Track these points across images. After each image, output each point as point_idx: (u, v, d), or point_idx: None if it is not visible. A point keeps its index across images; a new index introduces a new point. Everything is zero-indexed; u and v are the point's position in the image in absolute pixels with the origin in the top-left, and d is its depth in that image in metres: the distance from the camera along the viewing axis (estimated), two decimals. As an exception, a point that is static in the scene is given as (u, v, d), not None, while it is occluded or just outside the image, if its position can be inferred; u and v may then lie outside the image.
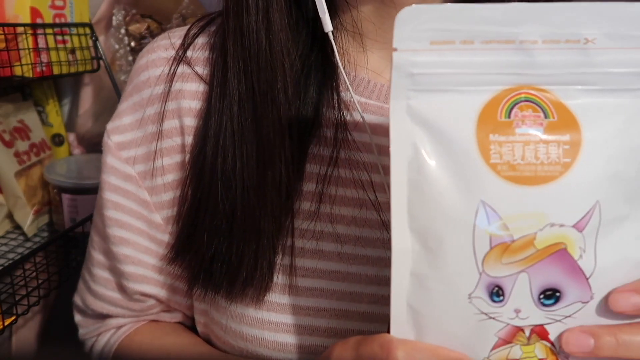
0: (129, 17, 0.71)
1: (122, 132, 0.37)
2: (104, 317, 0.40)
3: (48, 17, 0.62)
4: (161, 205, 0.36)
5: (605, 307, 0.21)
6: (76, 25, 0.66)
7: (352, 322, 0.33)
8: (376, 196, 0.32)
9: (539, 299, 0.21)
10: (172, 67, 0.35)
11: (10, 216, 0.64)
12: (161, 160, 0.35)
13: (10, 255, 0.58)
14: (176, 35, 0.37)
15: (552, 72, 0.21)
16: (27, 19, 0.59)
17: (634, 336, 0.20)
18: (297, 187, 0.33)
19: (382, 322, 0.33)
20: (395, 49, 0.21)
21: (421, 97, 0.21)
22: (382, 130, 0.33)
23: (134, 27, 0.71)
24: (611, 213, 0.21)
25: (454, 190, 0.21)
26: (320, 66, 0.33)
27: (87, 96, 0.72)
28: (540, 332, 0.21)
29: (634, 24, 0.20)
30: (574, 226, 0.20)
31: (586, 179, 0.20)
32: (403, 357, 0.21)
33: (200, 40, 0.36)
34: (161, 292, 0.38)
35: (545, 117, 0.21)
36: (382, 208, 0.33)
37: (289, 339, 0.33)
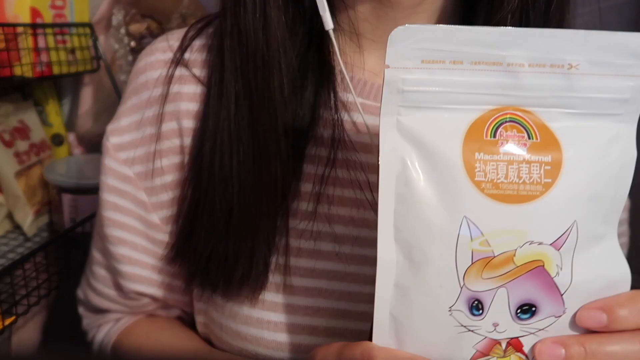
0: (129, 17, 0.71)
1: (120, 134, 0.37)
2: (104, 311, 0.41)
3: (48, 17, 0.62)
4: (159, 206, 0.37)
5: (575, 321, 0.22)
6: (76, 25, 0.66)
7: (351, 321, 0.34)
8: (374, 196, 0.33)
9: (516, 313, 0.22)
10: (170, 70, 0.35)
11: (10, 216, 0.63)
12: (159, 162, 0.36)
13: (10, 255, 0.58)
14: (174, 38, 0.37)
15: (536, 94, 0.22)
16: (27, 19, 0.59)
17: (600, 345, 0.21)
18: (294, 187, 0.33)
19: None
20: (387, 66, 0.22)
21: (411, 114, 0.22)
22: None
23: (134, 27, 0.72)
24: (588, 232, 0.21)
25: (439, 205, 0.21)
26: (317, 66, 0.33)
27: (87, 96, 0.72)
28: (515, 345, 0.22)
29: (616, 53, 0.21)
30: (551, 244, 0.21)
31: (565, 199, 0.21)
32: None
33: (198, 42, 0.36)
34: (158, 292, 0.39)
35: (529, 137, 0.22)
36: None
37: (289, 339, 0.34)
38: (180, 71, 0.35)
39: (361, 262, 0.34)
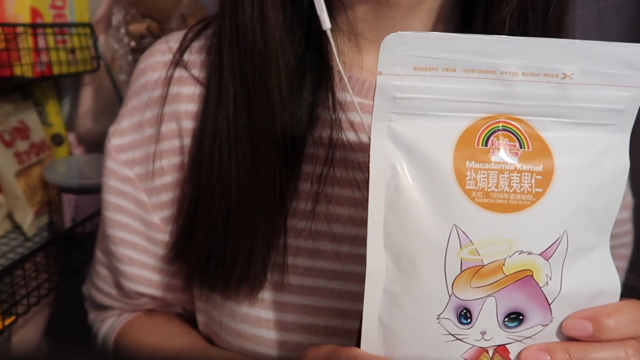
0: (129, 17, 0.71)
1: (121, 135, 0.37)
2: (106, 307, 0.42)
3: (48, 17, 0.62)
4: (159, 206, 0.37)
5: (562, 329, 0.22)
6: (76, 25, 0.66)
7: (350, 320, 0.34)
8: None
9: (504, 321, 0.22)
10: (169, 71, 0.36)
11: (10, 216, 0.63)
12: (159, 162, 0.36)
13: (10, 255, 0.58)
14: (173, 40, 0.37)
15: (529, 103, 0.22)
16: (27, 19, 0.59)
17: (585, 352, 0.22)
18: (292, 187, 0.33)
19: None
20: (379, 73, 0.21)
21: (402, 120, 0.22)
22: None
23: (134, 27, 0.72)
24: (578, 243, 0.21)
25: (429, 213, 0.21)
26: (315, 66, 0.33)
27: (87, 96, 0.72)
28: (501, 352, 0.22)
29: (611, 63, 0.21)
30: (541, 254, 0.21)
31: (556, 210, 0.21)
32: None
33: (197, 43, 0.36)
34: (157, 292, 0.39)
35: (521, 147, 0.21)
36: None
37: (287, 337, 0.34)
38: (179, 72, 0.36)
39: (360, 261, 0.34)
